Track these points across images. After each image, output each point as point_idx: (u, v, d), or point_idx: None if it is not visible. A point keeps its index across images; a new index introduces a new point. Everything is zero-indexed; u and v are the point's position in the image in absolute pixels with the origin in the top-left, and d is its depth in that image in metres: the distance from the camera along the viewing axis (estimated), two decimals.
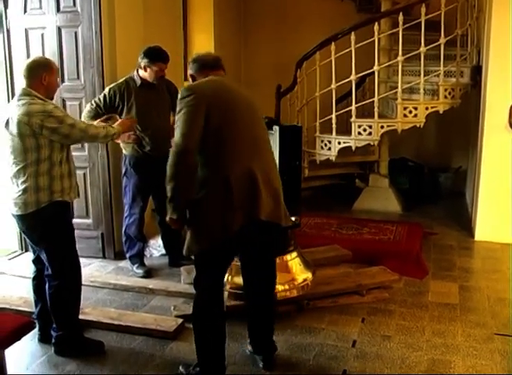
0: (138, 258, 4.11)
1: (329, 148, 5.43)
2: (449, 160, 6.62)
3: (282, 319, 3.20)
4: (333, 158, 5.43)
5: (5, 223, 4.22)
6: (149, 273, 4.02)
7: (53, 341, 2.93)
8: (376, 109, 5.15)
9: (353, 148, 5.31)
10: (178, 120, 2.43)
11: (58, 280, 2.82)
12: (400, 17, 4.89)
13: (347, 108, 5.35)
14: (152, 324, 3.16)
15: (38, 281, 2.98)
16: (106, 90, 3.88)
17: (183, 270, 3.86)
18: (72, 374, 2.75)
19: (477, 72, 5.22)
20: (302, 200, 3.39)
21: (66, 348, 2.91)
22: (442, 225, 5.29)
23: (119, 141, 3.85)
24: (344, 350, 2.96)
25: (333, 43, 5.21)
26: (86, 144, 4.13)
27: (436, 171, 6.41)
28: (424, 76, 5.01)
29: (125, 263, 4.21)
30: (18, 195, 2.72)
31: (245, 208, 2.45)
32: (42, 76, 2.75)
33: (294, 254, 3.43)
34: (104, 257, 4.35)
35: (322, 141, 5.49)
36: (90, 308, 3.36)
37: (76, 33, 4.10)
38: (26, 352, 2.94)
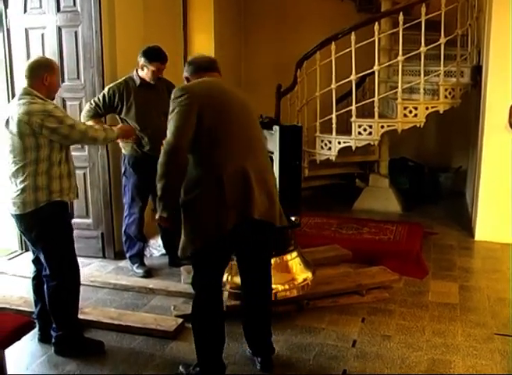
0: (138, 258, 4.11)
1: (329, 148, 5.43)
2: (449, 160, 6.61)
3: (282, 319, 3.20)
4: (333, 158, 5.43)
5: (5, 223, 4.22)
6: (149, 273, 4.02)
7: (53, 340, 2.93)
8: (376, 109, 5.15)
9: (354, 148, 5.31)
10: (170, 120, 2.45)
11: (56, 280, 2.82)
12: (400, 17, 4.89)
13: (347, 108, 5.35)
14: (152, 324, 3.16)
15: (38, 281, 2.97)
16: (105, 89, 3.88)
17: (183, 270, 3.86)
18: (72, 374, 2.74)
19: (477, 72, 5.22)
20: (302, 200, 3.39)
21: (66, 347, 2.91)
22: (443, 225, 5.29)
23: (118, 141, 3.85)
24: (344, 350, 2.96)
25: (333, 43, 5.20)
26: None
27: (436, 171, 6.40)
28: (425, 76, 5.01)
29: (125, 263, 4.21)
30: (16, 195, 2.72)
31: (238, 207, 2.45)
32: (44, 76, 2.75)
33: (294, 254, 3.42)
34: (104, 257, 4.35)
35: (322, 141, 5.49)
36: (90, 308, 3.36)
37: (76, 32, 4.10)
38: (26, 352, 2.94)
